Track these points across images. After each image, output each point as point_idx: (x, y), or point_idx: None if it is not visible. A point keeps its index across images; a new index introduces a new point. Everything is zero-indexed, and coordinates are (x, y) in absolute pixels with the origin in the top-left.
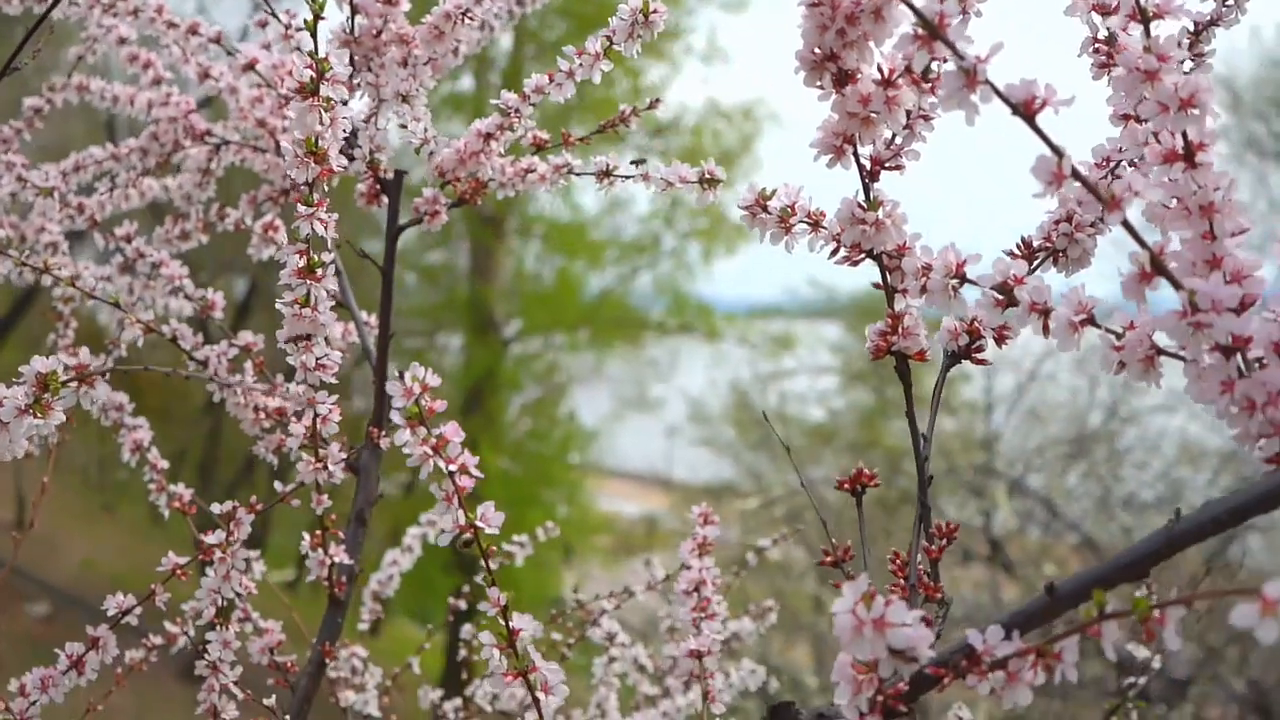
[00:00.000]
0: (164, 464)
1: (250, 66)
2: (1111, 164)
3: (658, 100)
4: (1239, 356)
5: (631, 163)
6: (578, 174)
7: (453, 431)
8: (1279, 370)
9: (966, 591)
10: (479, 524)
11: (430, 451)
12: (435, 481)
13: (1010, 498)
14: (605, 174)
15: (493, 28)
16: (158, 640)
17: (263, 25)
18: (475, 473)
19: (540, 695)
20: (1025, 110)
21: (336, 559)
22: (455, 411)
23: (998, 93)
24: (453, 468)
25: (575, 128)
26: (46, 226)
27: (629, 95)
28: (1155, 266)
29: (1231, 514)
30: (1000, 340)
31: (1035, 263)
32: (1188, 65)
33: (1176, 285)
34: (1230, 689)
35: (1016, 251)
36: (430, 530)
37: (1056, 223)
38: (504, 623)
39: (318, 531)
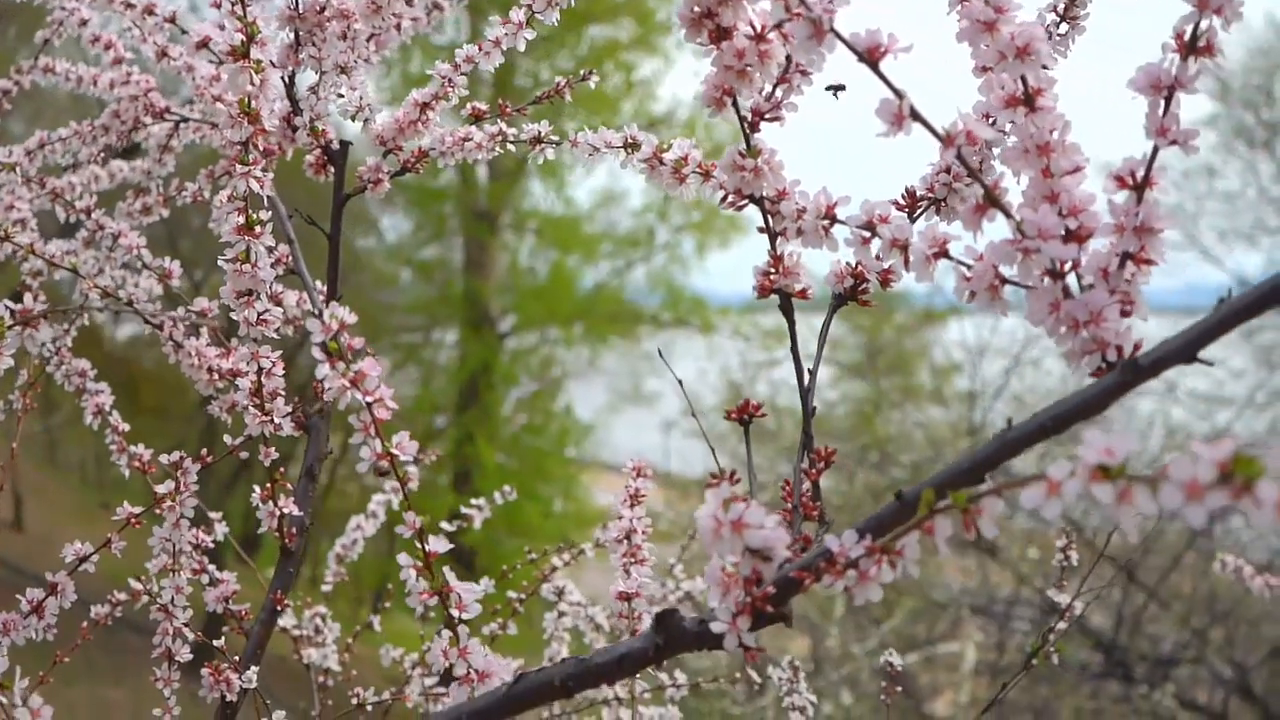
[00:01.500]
0: (125, 426)
1: (204, 44)
2: (989, 118)
3: (591, 72)
4: (1067, 280)
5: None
6: (513, 142)
7: (370, 366)
8: (1103, 293)
9: (954, 579)
10: (395, 452)
11: (348, 384)
12: (354, 413)
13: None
14: (537, 140)
15: (442, 7)
16: (122, 596)
17: (217, 6)
18: (391, 404)
19: (455, 612)
20: (870, 57)
21: (286, 511)
22: (451, 407)
23: (844, 41)
24: (370, 399)
25: (568, 122)
26: (15, 205)
27: (622, 90)
28: (989, 199)
29: (1055, 421)
30: (885, 283)
31: (918, 210)
32: (1063, 28)
33: (1008, 215)
34: (1216, 670)
35: (900, 201)
36: (395, 497)
37: (938, 173)
38: (420, 546)
39: (268, 484)
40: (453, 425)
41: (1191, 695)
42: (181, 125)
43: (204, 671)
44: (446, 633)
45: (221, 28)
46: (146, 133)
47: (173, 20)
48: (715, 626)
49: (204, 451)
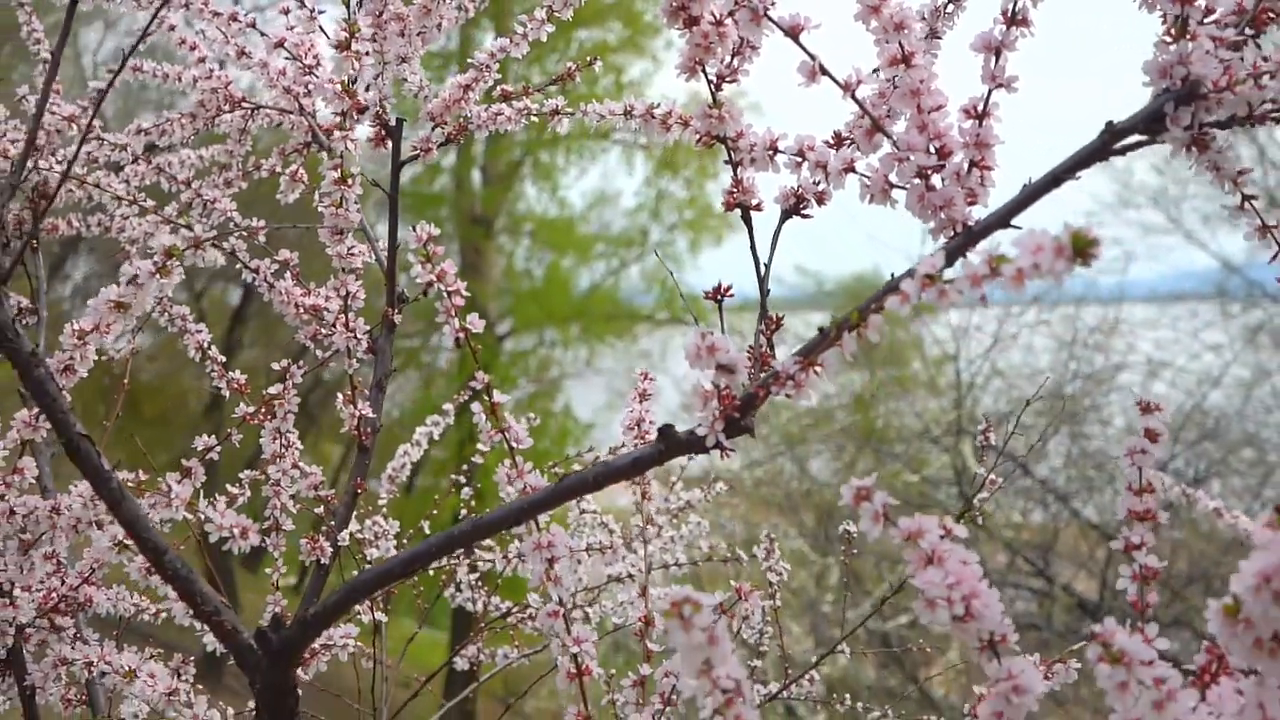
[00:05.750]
0: (222, 359)
1: (280, 44)
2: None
3: (595, 58)
4: (932, 180)
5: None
6: (535, 116)
7: (449, 266)
8: (954, 188)
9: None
10: (469, 326)
11: (435, 279)
12: (438, 300)
13: (979, 456)
14: (555, 113)
15: (468, 8)
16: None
17: (285, 12)
18: (464, 292)
19: (514, 444)
20: (792, 32)
21: (364, 413)
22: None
23: (774, 22)
24: (450, 289)
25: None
26: (110, 186)
27: (613, 91)
28: (875, 127)
29: None
30: (820, 201)
31: (844, 145)
32: (950, 8)
33: (888, 135)
34: (1195, 629)
35: (830, 140)
36: (435, 430)
37: (855, 119)
38: (489, 398)
39: (349, 391)
40: (453, 427)
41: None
42: (256, 112)
43: (302, 541)
44: (507, 461)
45: (290, 28)
46: (225, 119)
47: (253, 25)
48: (699, 430)
49: (299, 363)
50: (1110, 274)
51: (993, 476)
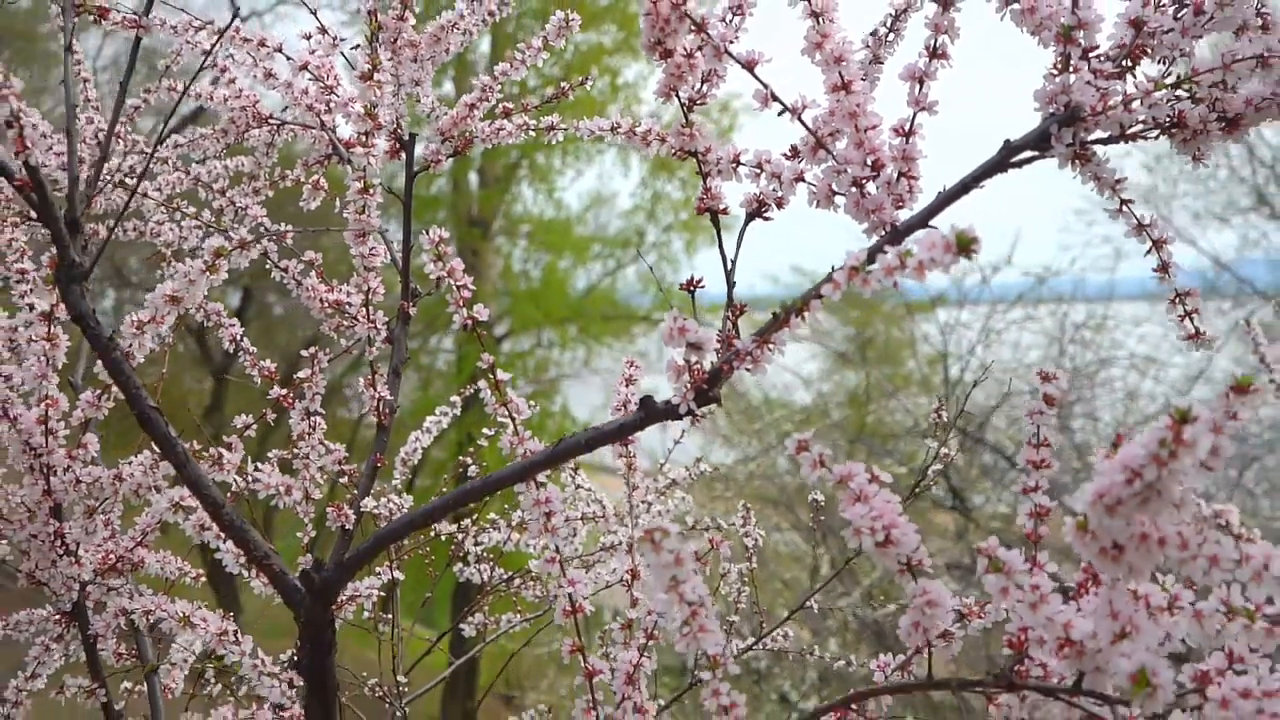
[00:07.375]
0: (254, 350)
1: (304, 67)
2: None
3: (587, 78)
4: (867, 188)
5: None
6: (533, 130)
7: (458, 263)
8: (884, 195)
9: (936, 541)
10: (475, 315)
11: (445, 275)
12: (448, 294)
13: (966, 449)
14: (551, 129)
15: (472, 33)
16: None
17: (308, 37)
18: (470, 287)
19: (515, 416)
20: (748, 65)
21: (383, 395)
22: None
23: (732, 56)
24: (459, 283)
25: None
26: (149, 195)
27: (608, 93)
28: (819, 144)
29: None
30: (779, 205)
31: (799, 160)
32: (891, 36)
33: (829, 152)
34: None
35: (786, 153)
36: (444, 419)
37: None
38: (493, 376)
39: (369, 375)
40: (453, 428)
41: None
42: (281, 128)
43: (329, 510)
44: (511, 428)
45: (313, 51)
46: (253, 134)
47: (279, 49)
48: (673, 399)
49: (328, 350)
50: (1100, 271)
51: (946, 451)
